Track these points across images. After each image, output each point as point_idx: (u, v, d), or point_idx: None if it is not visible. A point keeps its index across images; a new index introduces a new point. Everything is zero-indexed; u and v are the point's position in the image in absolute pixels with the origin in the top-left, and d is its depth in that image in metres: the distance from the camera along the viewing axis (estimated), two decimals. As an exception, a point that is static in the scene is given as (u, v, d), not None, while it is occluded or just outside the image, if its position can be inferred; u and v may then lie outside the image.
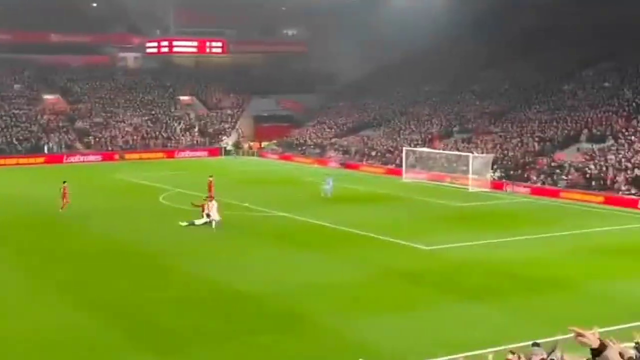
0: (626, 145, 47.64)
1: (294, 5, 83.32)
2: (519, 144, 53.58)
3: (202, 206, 34.38)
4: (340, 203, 41.32)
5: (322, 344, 18.74)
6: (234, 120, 77.65)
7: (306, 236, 32.54)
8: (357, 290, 23.57)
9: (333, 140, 68.52)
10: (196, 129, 74.66)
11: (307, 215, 36.85)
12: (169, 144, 71.21)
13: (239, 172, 56.94)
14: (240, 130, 76.22)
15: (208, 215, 33.88)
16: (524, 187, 47.09)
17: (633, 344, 14.14)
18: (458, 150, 54.89)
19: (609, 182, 43.91)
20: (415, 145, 58.85)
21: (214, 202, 34.61)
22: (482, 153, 52.52)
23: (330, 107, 78.64)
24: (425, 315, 21.07)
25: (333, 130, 71.56)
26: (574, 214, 39.05)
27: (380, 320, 20.46)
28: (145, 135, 71.45)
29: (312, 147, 68.58)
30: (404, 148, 56.41)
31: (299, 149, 69.48)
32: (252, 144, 73.97)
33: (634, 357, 11.39)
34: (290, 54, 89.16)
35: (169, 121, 74.65)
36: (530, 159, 50.54)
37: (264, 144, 73.56)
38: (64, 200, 37.15)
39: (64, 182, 37.94)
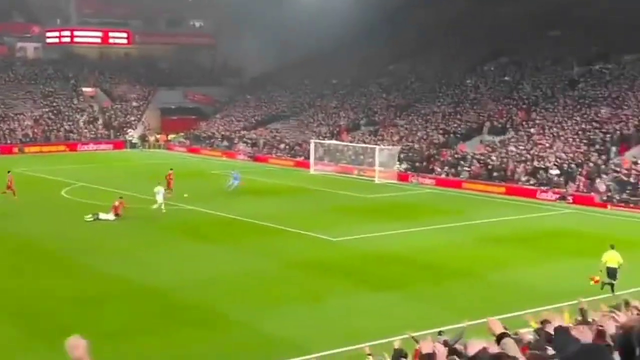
0: (525, 138, 49.28)
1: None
2: (424, 137, 54.67)
3: (116, 207, 34.08)
4: (248, 196, 41.21)
5: (233, 336, 18.71)
6: (139, 112, 76.19)
7: (214, 229, 32.34)
8: (266, 282, 23.61)
9: (241, 133, 68.19)
10: (100, 122, 72.91)
11: (215, 208, 36.60)
12: (71, 137, 69.28)
13: (146, 165, 55.98)
14: (146, 123, 74.90)
15: (116, 214, 33.71)
16: (429, 178, 48.09)
17: (531, 329, 14.72)
18: (365, 142, 55.58)
19: (509, 173, 45.33)
20: (323, 138, 59.23)
21: (160, 187, 36.16)
22: (389, 145, 53.33)
23: (238, 100, 78.21)
24: (334, 306, 21.30)
25: (241, 123, 71.21)
26: (476, 204, 40.14)
27: (289, 312, 20.56)
28: (46, 128, 69.29)
29: (220, 139, 68.06)
30: (312, 141, 56.69)
31: (207, 141, 68.85)
32: (158, 136, 72.77)
33: (532, 341, 11.86)
34: (198, 46, 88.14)
35: (71, 113, 72.62)
36: (434, 151, 51.65)
37: (170, 136, 72.49)
38: (9, 190, 38.27)
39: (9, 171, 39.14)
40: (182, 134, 72.22)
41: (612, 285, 22.07)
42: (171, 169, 42.02)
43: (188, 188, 40.94)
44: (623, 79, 51.85)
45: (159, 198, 35.84)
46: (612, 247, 23.27)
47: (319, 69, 74.27)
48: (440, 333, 14.74)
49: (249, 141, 65.28)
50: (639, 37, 55.94)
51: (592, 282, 21.96)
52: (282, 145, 61.69)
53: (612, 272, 22.31)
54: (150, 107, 77.16)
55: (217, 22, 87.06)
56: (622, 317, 11.87)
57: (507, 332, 5.86)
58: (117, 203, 34.55)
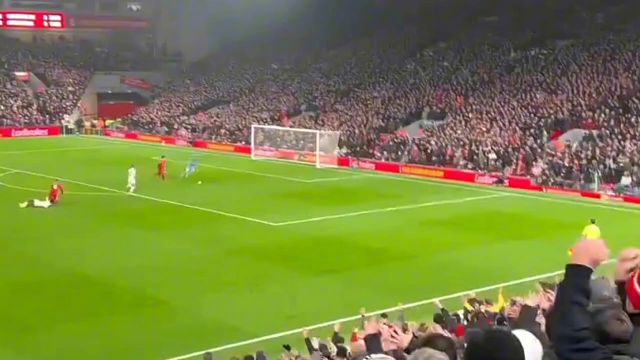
0: (464, 122, 49.98)
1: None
2: (364, 121, 54.97)
3: (53, 191, 33.46)
4: (188, 182, 40.83)
5: (173, 322, 18.61)
6: (75, 97, 74.63)
7: (154, 216, 31.98)
8: (206, 268, 23.53)
9: (181, 118, 67.48)
10: (34, 107, 71.21)
11: (155, 194, 36.20)
12: (4, 123, 67.50)
13: (83, 152, 54.98)
14: (82, 108, 73.45)
15: (52, 201, 33.12)
16: (369, 163, 48.43)
17: (462, 310, 14.99)
18: (306, 127, 55.61)
19: (448, 157, 45.95)
20: (264, 123, 59.04)
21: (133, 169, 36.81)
22: (329, 130, 53.48)
23: (177, 85, 77.30)
24: (274, 291, 21.35)
25: (181, 108, 70.45)
26: (415, 188, 40.58)
27: (230, 297, 20.55)
28: (-22, 113, 67.41)
29: (159, 125, 67.22)
30: (252, 126, 56.46)
31: (146, 127, 67.93)
32: (95, 122, 71.48)
33: (461, 318, 12.00)
34: (135, 29, 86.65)
35: (4, 98, 70.71)
36: (374, 136, 51.99)
37: (108, 122, 71.27)
38: None
39: None
40: (120, 119, 71.10)
41: None
42: (163, 156, 41.67)
43: (126, 175, 40.35)
44: (557, 65, 52.96)
45: (132, 180, 36.43)
46: (593, 222, 24.65)
47: (259, 53, 73.94)
48: (383, 315, 14.93)
49: (188, 126, 64.66)
50: (572, 23, 57.26)
51: (570, 253, 22.50)
52: (222, 131, 61.29)
53: None
54: (87, 92, 75.67)
55: (155, 6, 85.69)
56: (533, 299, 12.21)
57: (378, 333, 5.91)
58: (55, 186, 33.84)
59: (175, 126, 65.67)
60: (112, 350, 16.85)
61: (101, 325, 18.20)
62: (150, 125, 67.72)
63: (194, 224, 30.03)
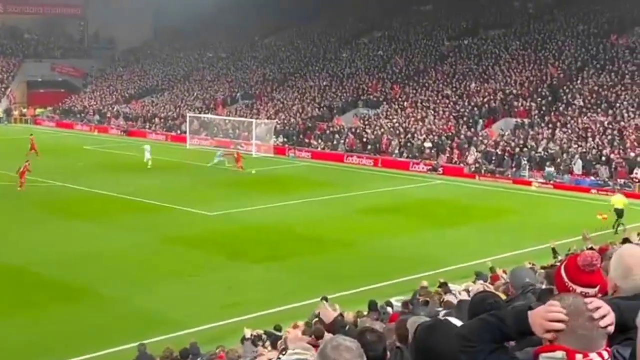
0: (399, 111, 50.40)
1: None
2: (300, 110, 54.93)
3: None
4: (122, 171, 40.19)
5: (107, 313, 18.31)
6: (4, 85, 72.57)
7: (87, 206, 31.34)
8: (142, 259, 23.20)
9: (114, 107, 66.30)
10: (-39, 95, 69.05)
11: (88, 184, 35.48)
12: None
13: (11, 141, 53.49)
14: (11, 97, 71.46)
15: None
16: (306, 151, 48.44)
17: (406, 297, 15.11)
18: (242, 116, 55.27)
19: (383, 146, 46.28)
20: (199, 112, 58.46)
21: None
22: (265, 119, 53.28)
23: (110, 73, 75.90)
24: (212, 280, 21.19)
25: (114, 96, 69.22)
26: (352, 177, 40.76)
27: (166, 287, 20.32)
28: None
29: (91, 114, 65.91)
30: (187, 115, 55.86)
31: (78, 115, 66.53)
32: (24, 110, 69.66)
33: (394, 306, 12.09)
34: (66, 16, 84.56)
35: None
36: (310, 124, 52.01)
37: (38, 110, 69.55)
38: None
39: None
40: (50, 108, 69.46)
41: (618, 222, 25.97)
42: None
43: (57, 164, 39.51)
44: (490, 54, 53.81)
45: (147, 155, 41.10)
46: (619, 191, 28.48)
47: (194, 41, 73.13)
48: (324, 299, 14.93)
49: (122, 115, 63.58)
50: (504, 13, 58.24)
51: (599, 217, 25.50)
52: (156, 120, 60.44)
53: (619, 212, 26.37)
54: (16, 80, 73.69)
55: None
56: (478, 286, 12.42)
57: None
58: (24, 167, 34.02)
59: (108, 115, 64.53)
60: (40, 344, 16.45)
61: (28, 318, 17.77)
62: (82, 114, 66.36)
63: (128, 214, 29.56)
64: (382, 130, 47.97)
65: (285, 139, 50.77)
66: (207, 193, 34.61)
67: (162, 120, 60.10)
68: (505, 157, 40.70)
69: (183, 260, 23.18)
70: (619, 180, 35.76)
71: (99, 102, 68.38)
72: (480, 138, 43.72)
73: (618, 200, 27.31)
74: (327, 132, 50.13)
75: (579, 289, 2.95)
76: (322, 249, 24.64)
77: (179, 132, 56.18)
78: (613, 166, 36.83)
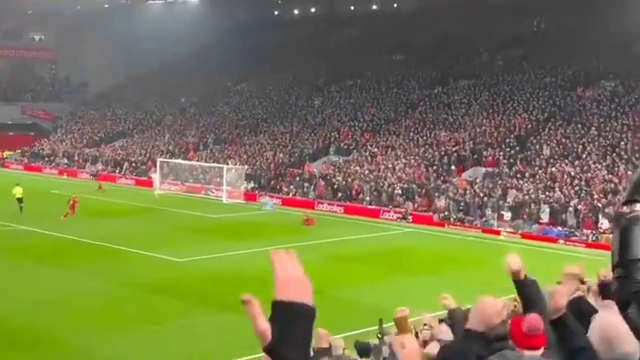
0: (370, 159, 50.69)
1: (41, 9, 78.91)
2: (272, 156, 55.02)
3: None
4: (91, 216, 39.73)
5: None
6: (-27, 128, 72.02)
7: (51, 251, 30.90)
8: (105, 304, 22.84)
9: (85, 150, 65.90)
10: None
11: (54, 229, 35.06)
12: None
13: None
14: (-21, 139, 70.83)
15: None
16: (277, 198, 48.38)
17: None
18: (213, 161, 55.20)
19: (354, 192, 46.40)
20: (170, 157, 58.30)
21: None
22: (236, 165, 53.26)
23: (81, 116, 75.63)
24: (175, 327, 20.90)
25: (84, 140, 68.87)
26: (322, 223, 40.69)
27: (129, 334, 19.99)
28: None
29: (60, 157, 65.44)
30: (158, 159, 55.65)
31: (47, 159, 66.01)
32: (-7, 153, 69.04)
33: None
34: (38, 60, 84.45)
35: None
36: (282, 171, 52.08)
37: (6, 153, 68.90)
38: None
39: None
40: (19, 150, 68.89)
41: None
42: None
43: (25, 208, 39.05)
44: (459, 104, 54.54)
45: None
46: None
47: (166, 85, 73.25)
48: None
49: (92, 159, 63.18)
50: (474, 65, 59.21)
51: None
52: (126, 164, 60.14)
53: None
54: (-15, 123, 73.19)
55: (59, 36, 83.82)
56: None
57: None
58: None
59: (76, 157, 64.10)
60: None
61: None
62: (51, 158, 65.86)
63: (94, 259, 29.14)
64: (353, 177, 48.16)
65: (256, 185, 50.73)
66: (176, 239, 34.32)
67: (131, 164, 59.82)
68: (474, 205, 40.99)
69: (149, 306, 22.87)
70: (585, 230, 36.14)
71: (69, 146, 67.97)
72: (450, 186, 44.04)
73: None
74: (298, 178, 50.21)
75: (526, 353, 2.96)
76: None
77: (148, 176, 55.87)
78: (580, 216, 37.25)
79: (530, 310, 4.15)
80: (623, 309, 2.39)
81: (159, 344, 19.43)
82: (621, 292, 2.23)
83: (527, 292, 4.74)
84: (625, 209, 2.46)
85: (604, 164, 41.59)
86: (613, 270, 2.28)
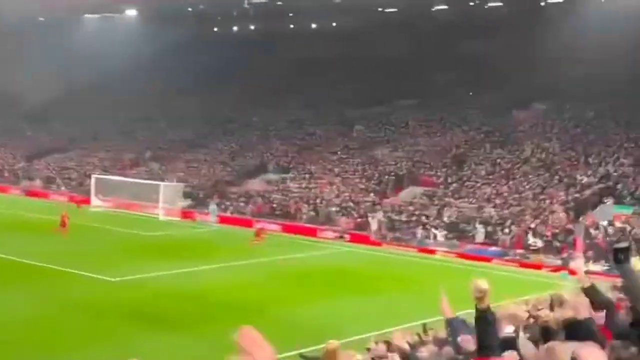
0: (308, 177, 50.79)
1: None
2: (210, 173, 54.67)
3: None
4: (19, 232, 38.69)
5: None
6: None
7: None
8: (36, 328, 22.19)
9: (17, 166, 64.34)
10: None
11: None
12: None
13: None
14: None
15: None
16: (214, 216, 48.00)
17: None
18: (149, 178, 54.51)
19: (292, 210, 46.40)
20: (105, 173, 57.36)
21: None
22: (173, 181, 52.70)
23: (14, 131, 73.82)
24: (112, 350, 20.44)
25: (17, 155, 67.25)
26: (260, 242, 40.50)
27: (63, 357, 19.47)
28: None
29: (-8, 172, 63.83)
30: (93, 175, 54.69)
31: (-23, 174, 64.25)
32: None
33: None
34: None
35: None
36: (219, 188, 51.75)
37: None
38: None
39: None
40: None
41: None
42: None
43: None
44: (398, 123, 55.17)
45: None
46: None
47: (103, 100, 72.14)
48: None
49: (25, 175, 61.74)
50: (413, 84, 60.00)
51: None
52: (61, 179, 58.94)
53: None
54: None
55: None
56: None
57: None
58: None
59: (6, 174, 62.56)
60: None
61: None
62: (-18, 173, 64.16)
63: (22, 280, 28.28)
64: (291, 195, 48.16)
65: (193, 202, 50.28)
66: (111, 257, 33.68)
67: (67, 180, 58.65)
68: (411, 224, 41.42)
69: (83, 329, 22.31)
70: (517, 250, 36.86)
71: (1, 162, 66.28)
72: (386, 205, 44.41)
73: None
74: (236, 196, 49.96)
75: None
76: (225, 317, 24.21)
77: (83, 192, 54.83)
78: (512, 236, 37.97)
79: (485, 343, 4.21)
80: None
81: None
82: None
83: (482, 324, 4.76)
84: None
85: (537, 183, 42.55)
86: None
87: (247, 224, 45.81)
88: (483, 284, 4.77)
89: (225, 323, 23.53)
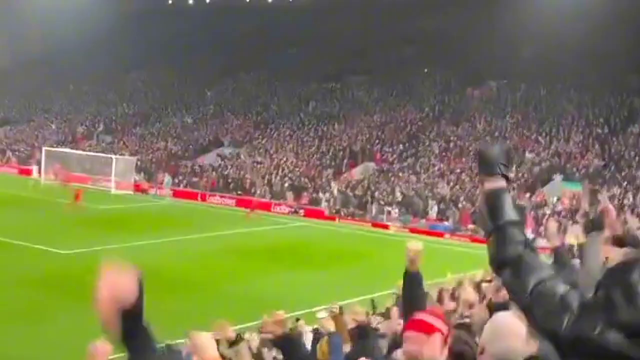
0: (263, 152, 50.69)
1: None
2: (163, 147, 54.18)
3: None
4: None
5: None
6: None
7: None
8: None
9: (-36, 137, 62.97)
10: None
11: None
12: None
13: None
14: None
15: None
16: (168, 189, 47.68)
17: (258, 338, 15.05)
18: (102, 151, 53.81)
19: (247, 185, 46.30)
20: (57, 146, 56.42)
21: None
22: (126, 155, 52.11)
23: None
24: (63, 324, 20.28)
25: (-36, 126, 65.78)
26: (214, 216, 40.46)
27: (10, 332, 19.24)
28: None
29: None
30: (43, 148, 53.77)
31: None
32: None
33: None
34: None
35: None
36: (173, 162, 51.36)
37: None
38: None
39: None
40: None
41: None
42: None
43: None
44: (352, 99, 55.28)
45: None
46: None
47: (55, 72, 70.80)
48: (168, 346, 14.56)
49: (-28, 146, 60.46)
50: (367, 61, 60.12)
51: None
52: (11, 152, 57.84)
53: None
54: None
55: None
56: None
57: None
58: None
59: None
60: None
61: None
62: None
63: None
64: (245, 170, 48.03)
65: (146, 176, 49.82)
66: (62, 230, 33.28)
67: (17, 152, 57.59)
68: (364, 200, 41.68)
69: (32, 301, 22.06)
70: (467, 225, 37.41)
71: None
72: (341, 180, 44.60)
73: None
74: (190, 170, 49.64)
75: None
76: (176, 291, 24.17)
77: (33, 165, 53.92)
78: (463, 212, 38.50)
79: (413, 307, 4.21)
80: (498, 274, 2.38)
81: (44, 341, 18.81)
82: (497, 256, 2.23)
83: (413, 287, 4.76)
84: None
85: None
86: (487, 240, 2.28)
87: (202, 198, 45.65)
88: (418, 244, 4.74)
89: (171, 298, 23.51)
